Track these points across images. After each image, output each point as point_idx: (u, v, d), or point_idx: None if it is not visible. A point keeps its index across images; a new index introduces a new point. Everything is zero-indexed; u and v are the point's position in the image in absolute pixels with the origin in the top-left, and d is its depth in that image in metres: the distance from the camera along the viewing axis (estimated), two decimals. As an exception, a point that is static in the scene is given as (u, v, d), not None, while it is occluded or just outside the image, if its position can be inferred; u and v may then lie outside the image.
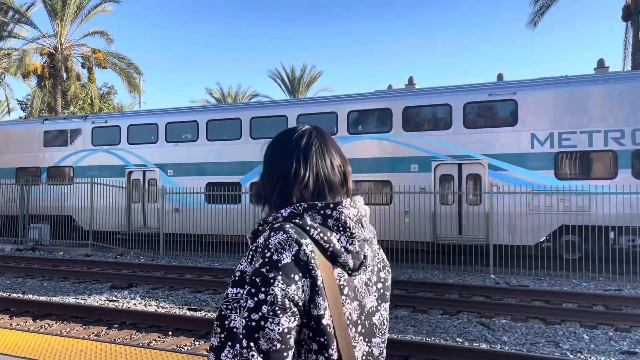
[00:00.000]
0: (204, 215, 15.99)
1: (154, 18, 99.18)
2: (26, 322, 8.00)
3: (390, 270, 1.51)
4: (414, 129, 14.39)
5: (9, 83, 42.40)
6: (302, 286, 1.25)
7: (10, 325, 7.75)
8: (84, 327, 7.67)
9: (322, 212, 1.34)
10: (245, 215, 15.31)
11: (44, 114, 36.98)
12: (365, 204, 1.45)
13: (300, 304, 1.25)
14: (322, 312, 1.26)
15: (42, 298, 9.70)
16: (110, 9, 32.27)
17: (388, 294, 1.47)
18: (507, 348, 6.69)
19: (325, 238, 1.31)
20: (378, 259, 1.46)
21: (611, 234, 12.57)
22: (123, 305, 9.14)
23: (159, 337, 7.14)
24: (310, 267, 1.26)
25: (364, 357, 1.37)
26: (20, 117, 41.65)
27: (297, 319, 1.25)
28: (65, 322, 7.93)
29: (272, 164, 1.44)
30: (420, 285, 10.51)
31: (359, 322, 1.35)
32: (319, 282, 1.27)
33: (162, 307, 9.01)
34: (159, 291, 10.44)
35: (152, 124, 17.92)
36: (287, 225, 1.30)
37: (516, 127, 13.36)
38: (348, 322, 1.32)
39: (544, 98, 13.26)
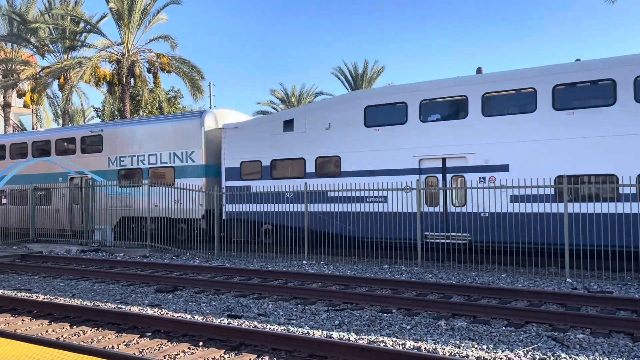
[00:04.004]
0: None
1: (220, 23, 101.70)
2: (63, 328, 7.78)
3: None
4: (61, 154, 21.83)
5: (85, 91, 44.62)
6: None
7: (47, 331, 7.57)
8: (117, 334, 7.32)
9: None
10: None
11: (117, 119, 38.43)
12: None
13: None
14: None
15: (86, 302, 9.57)
16: (165, 17, 33.23)
17: None
18: (584, 371, 5.60)
19: None
20: None
21: (144, 221, 18.53)
22: (163, 310, 8.79)
23: (188, 348, 6.63)
24: None
25: None
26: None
27: None
28: (100, 329, 7.63)
29: None
30: (483, 291, 9.42)
31: None
32: None
33: (202, 313, 8.57)
34: (202, 295, 10.04)
35: None
36: None
37: (102, 153, 20.56)
38: None
39: (115, 133, 20.42)
